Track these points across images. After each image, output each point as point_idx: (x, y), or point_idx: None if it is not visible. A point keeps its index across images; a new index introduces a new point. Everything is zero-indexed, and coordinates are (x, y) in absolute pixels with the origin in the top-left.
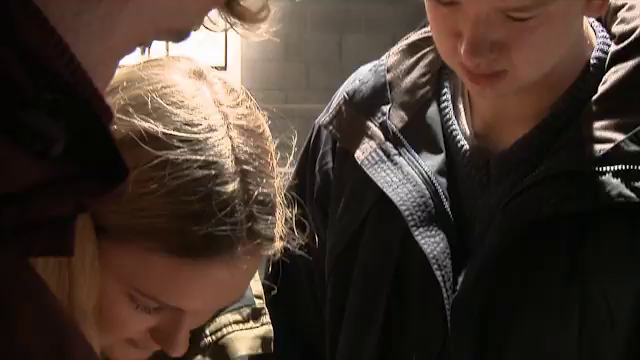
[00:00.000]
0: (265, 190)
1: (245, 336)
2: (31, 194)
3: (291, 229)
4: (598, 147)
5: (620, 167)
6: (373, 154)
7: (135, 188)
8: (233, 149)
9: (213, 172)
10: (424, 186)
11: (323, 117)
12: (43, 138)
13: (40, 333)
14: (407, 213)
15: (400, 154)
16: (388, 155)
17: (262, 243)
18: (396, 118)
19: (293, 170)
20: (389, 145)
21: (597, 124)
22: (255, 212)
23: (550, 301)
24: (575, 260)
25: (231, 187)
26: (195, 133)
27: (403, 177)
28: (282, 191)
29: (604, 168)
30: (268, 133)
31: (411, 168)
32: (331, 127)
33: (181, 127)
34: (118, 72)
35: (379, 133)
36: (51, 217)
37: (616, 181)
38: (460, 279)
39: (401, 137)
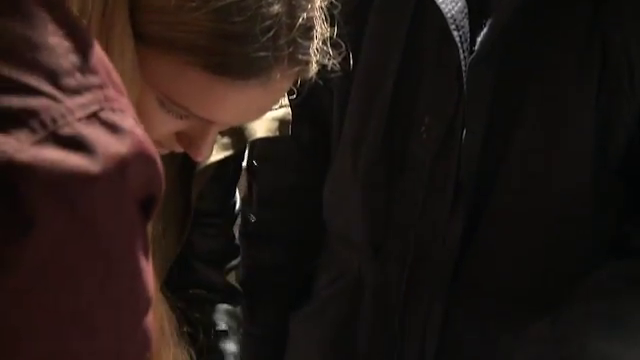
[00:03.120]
0: (310, 14)
1: (263, 118)
2: None
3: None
4: None
5: None
6: None
7: (178, 0)
8: None
9: None
10: None
11: None
12: None
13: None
14: None
15: None
16: None
17: (301, 68)
18: None
19: None
20: None
21: None
22: (298, 38)
23: (570, 60)
24: (597, 17)
25: (276, 10)
26: None
27: None
28: (324, 9)
29: None
30: None
31: None
32: None
33: None
34: None
35: None
36: None
37: None
38: (478, 39)
39: None
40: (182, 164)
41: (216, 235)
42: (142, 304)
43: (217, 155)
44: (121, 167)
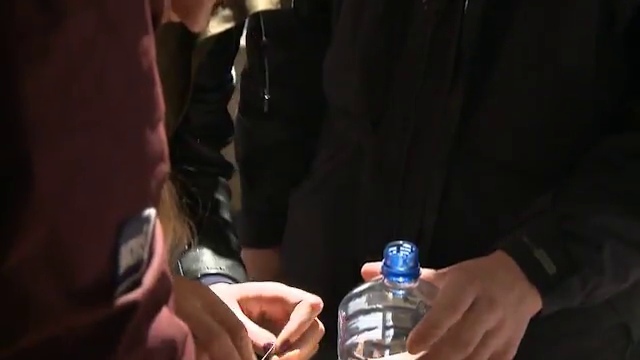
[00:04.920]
0: None
1: None
2: None
3: None
4: None
5: None
6: None
7: None
8: None
9: None
10: None
11: None
12: None
13: None
14: None
15: None
16: None
17: None
18: None
19: None
20: None
21: None
22: None
23: None
24: None
25: None
26: None
27: None
28: None
29: None
30: None
31: None
32: None
33: None
34: None
35: None
36: None
37: None
38: None
39: None
40: (182, 37)
41: (212, 111)
42: (158, 113)
43: (218, 27)
44: None
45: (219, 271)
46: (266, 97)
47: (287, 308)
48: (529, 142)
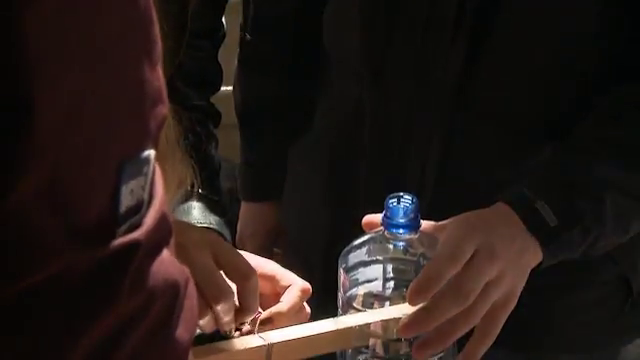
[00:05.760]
0: None
1: None
2: None
3: None
4: None
5: None
6: None
7: None
8: None
9: None
10: None
11: None
12: None
13: None
14: None
15: None
16: None
17: None
18: None
19: None
20: None
21: None
22: None
23: None
24: None
25: None
26: None
27: None
28: None
29: None
30: None
31: None
32: None
33: None
34: None
35: None
36: None
37: None
38: None
39: None
40: None
41: (202, 58)
42: (156, 54)
43: None
44: None
45: (209, 226)
46: (247, 38)
47: (276, 288)
48: (530, 95)
